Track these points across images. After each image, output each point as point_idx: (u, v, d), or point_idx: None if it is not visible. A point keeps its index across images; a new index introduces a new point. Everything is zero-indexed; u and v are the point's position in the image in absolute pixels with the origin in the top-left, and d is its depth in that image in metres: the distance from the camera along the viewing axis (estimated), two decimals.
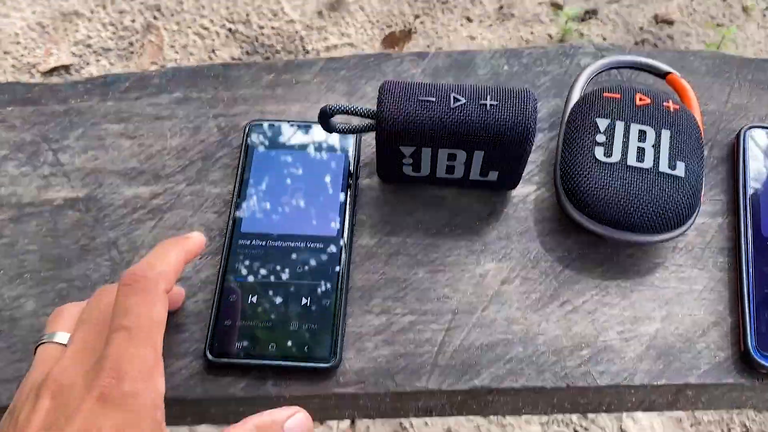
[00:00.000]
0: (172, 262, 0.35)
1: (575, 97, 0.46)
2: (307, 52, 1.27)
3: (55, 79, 1.33)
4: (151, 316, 0.32)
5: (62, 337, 0.35)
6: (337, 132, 0.44)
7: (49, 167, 0.48)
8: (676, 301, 0.43)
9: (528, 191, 0.46)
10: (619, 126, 0.43)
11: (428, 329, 0.42)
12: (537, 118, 0.40)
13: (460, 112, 0.40)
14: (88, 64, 1.24)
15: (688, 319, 0.42)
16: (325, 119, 0.42)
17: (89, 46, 1.25)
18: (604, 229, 0.42)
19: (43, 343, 0.35)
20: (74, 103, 0.50)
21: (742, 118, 0.49)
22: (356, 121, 0.47)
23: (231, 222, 0.44)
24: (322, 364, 0.40)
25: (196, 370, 0.41)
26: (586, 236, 0.45)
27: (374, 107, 0.41)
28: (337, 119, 0.44)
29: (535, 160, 0.47)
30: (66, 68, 1.24)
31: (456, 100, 0.40)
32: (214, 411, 0.41)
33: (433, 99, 0.40)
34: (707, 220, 0.45)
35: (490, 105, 0.40)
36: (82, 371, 0.31)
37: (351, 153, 0.46)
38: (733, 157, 0.47)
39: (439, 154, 0.42)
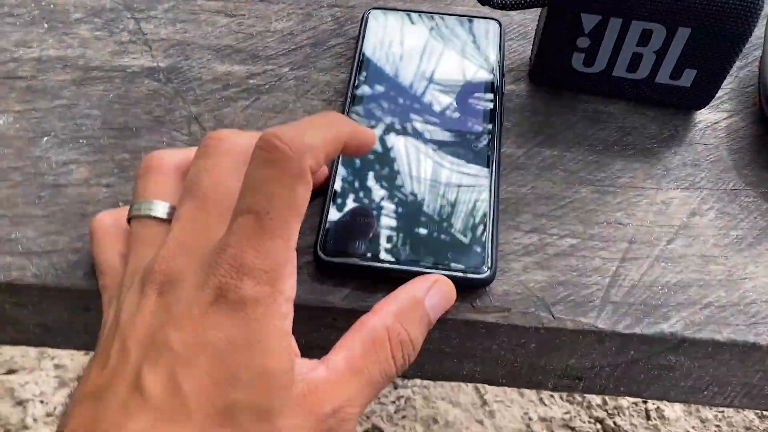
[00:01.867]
0: (329, 138, 0.25)
1: None
2: None
3: None
4: (290, 199, 0.23)
5: (162, 208, 0.26)
6: (494, 6, 0.35)
7: (129, 34, 0.40)
8: None
9: (717, 118, 0.37)
10: None
11: (596, 257, 0.32)
12: None
13: None
14: None
15: None
16: None
17: None
18: None
19: (139, 216, 0.26)
20: None
21: None
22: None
23: (349, 101, 0.35)
24: (473, 274, 0.29)
25: (302, 273, 0.30)
26: None
27: None
28: None
29: (723, 86, 0.38)
30: None
31: None
32: (321, 317, 0.30)
33: None
34: None
35: None
36: (194, 263, 0.24)
37: (494, 46, 0.37)
38: None
39: (630, 32, 0.32)
